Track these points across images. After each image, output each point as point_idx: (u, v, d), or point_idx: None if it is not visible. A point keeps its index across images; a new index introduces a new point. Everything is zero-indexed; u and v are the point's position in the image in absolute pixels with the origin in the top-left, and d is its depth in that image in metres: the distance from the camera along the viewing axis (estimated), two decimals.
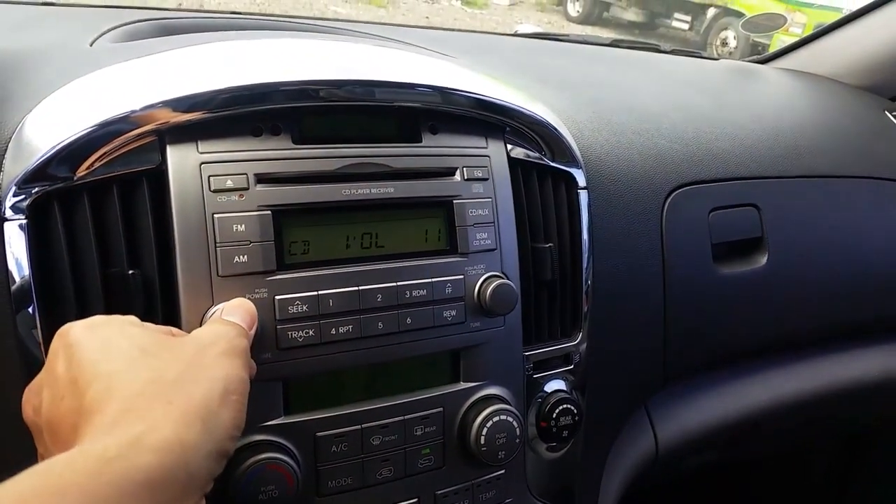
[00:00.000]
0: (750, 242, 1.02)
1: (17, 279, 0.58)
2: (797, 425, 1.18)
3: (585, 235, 0.82)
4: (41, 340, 0.58)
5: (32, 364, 0.58)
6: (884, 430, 1.53)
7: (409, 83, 0.70)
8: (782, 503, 1.74)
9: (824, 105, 1.32)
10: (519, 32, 1.65)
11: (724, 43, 9.30)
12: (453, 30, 1.87)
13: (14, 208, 0.58)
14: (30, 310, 0.58)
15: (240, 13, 1.34)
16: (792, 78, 1.44)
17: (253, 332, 0.58)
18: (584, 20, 10.46)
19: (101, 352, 0.46)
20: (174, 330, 0.56)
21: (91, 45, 0.84)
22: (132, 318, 0.53)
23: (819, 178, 1.13)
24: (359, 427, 0.66)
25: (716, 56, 1.90)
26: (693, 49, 1.66)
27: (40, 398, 0.49)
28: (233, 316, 0.57)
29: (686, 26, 10.07)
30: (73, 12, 1.16)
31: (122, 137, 0.60)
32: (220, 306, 0.59)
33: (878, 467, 1.61)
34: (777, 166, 1.08)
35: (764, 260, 1.02)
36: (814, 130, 1.19)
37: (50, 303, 0.59)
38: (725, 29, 9.38)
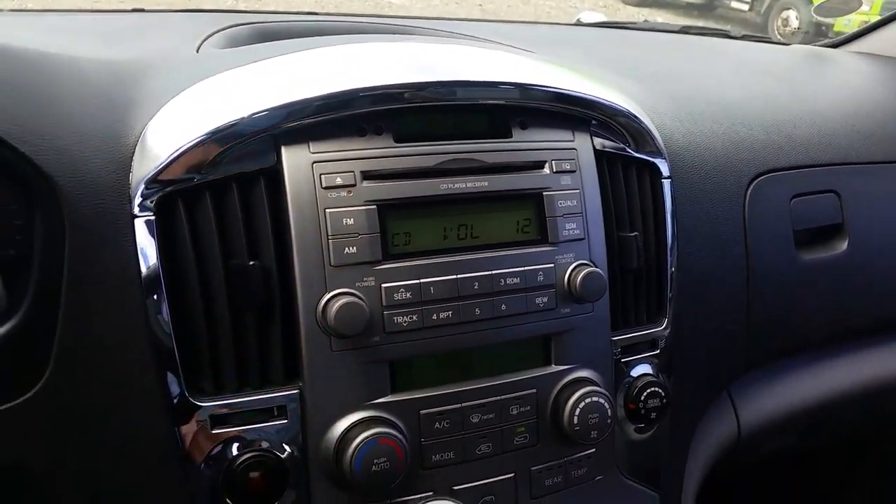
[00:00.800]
0: (830, 229, 1.02)
1: (147, 272, 0.64)
2: (876, 410, 1.17)
3: (670, 224, 0.84)
4: (170, 325, 0.64)
5: (160, 348, 0.64)
6: None
7: (492, 81, 0.74)
8: (858, 490, 1.71)
9: None
10: (583, 21, 1.65)
11: (786, 23, 8.99)
12: (518, 22, 1.89)
13: (142, 206, 0.64)
14: (157, 298, 0.64)
15: (316, 13, 1.39)
16: (868, 62, 1.42)
17: None
18: (640, 3, 10.23)
19: None
20: None
21: (197, 52, 0.90)
22: None
23: None
24: (459, 406, 0.70)
25: (779, 37, 1.87)
26: (755, 31, 1.64)
27: None
28: None
29: (746, 7, 9.77)
30: (165, 19, 1.23)
31: (240, 140, 0.65)
32: None
33: None
34: (856, 153, 1.07)
35: (844, 246, 1.02)
36: (893, 115, 1.17)
37: (178, 294, 0.65)
38: (787, 9, 9.07)
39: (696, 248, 0.87)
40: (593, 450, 0.78)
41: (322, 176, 0.66)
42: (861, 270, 1.03)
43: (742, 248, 0.92)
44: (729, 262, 0.90)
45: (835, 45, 1.58)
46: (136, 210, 0.64)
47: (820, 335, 1.02)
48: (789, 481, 1.77)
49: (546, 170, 0.75)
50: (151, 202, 0.64)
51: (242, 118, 0.65)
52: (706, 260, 0.88)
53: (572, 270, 0.74)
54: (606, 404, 0.74)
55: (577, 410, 0.73)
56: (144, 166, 0.65)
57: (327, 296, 0.65)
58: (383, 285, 0.67)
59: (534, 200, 0.74)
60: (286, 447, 0.66)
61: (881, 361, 1.12)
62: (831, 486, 1.74)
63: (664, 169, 0.84)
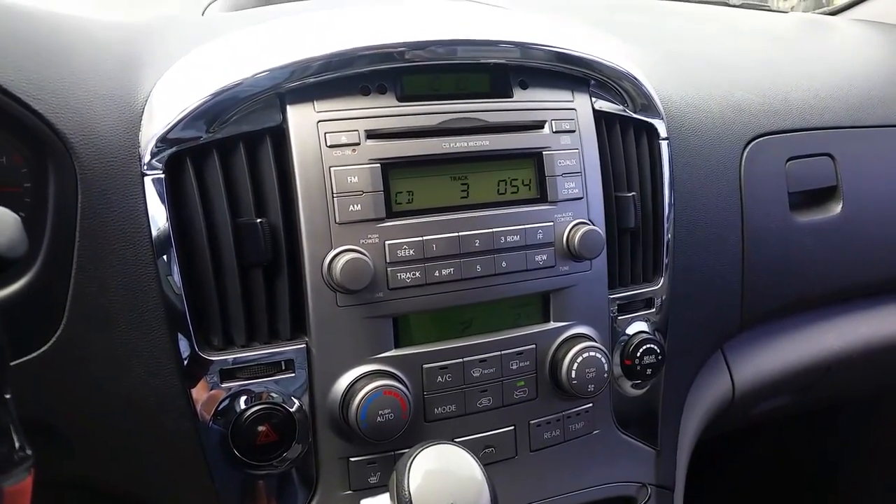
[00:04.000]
0: (825, 191, 1.04)
1: (157, 230, 0.65)
2: (869, 370, 1.20)
3: (667, 184, 0.85)
4: (179, 287, 0.65)
5: (171, 304, 0.65)
6: None
7: (492, 40, 0.74)
8: (855, 453, 1.75)
9: None
10: None
11: None
12: None
13: (151, 165, 0.65)
14: (167, 257, 0.65)
15: None
16: (865, 28, 1.42)
17: None
18: None
19: None
20: None
21: (203, 15, 0.90)
22: None
23: (894, 128, 1.13)
24: (460, 360, 0.73)
25: (778, 5, 1.87)
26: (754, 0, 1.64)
27: None
28: None
29: None
30: None
31: (246, 99, 0.66)
32: None
33: None
34: (851, 116, 1.08)
35: (839, 208, 1.04)
36: (889, 79, 1.18)
37: (187, 251, 0.66)
38: None
39: (692, 209, 0.89)
40: (590, 404, 0.80)
41: (327, 135, 0.67)
42: (855, 232, 1.05)
43: (738, 210, 0.93)
44: (724, 223, 0.92)
45: (833, 13, 1.58)
46: (146, 169, 0.65)
47: (814, 296, 1.04)
48: (783, 443, 1.81)
49: (546, 130, 0.76)
50: (160, 161, 0.65)
51: (247, 78, 0.66)
52: (702, 221, 0.90)
53: (571, 229, 0.75)
54: (603, 359, 0.76)
55: (575, 365, 0.75)
56: (153, 126, 0.66)
57: (333, 252, 0.66)
58: (387, 242, 0.68)
59: (534, 160, 0.75)
60: (294, 400, 0.68)
61: (875, 323, 1.14)
62: (825, 447, 1.78)
63: (662, 130, 0.85)
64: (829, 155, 1.05)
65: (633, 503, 0.85)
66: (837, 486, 1.85)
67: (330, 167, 0.67)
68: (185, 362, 0.66)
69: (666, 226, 0.85)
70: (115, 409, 0.67)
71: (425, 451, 0.56)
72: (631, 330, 0.83)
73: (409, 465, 0.55)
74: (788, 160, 1.00)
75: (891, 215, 1.10)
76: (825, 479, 1.86)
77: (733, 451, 1.79)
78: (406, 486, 0.54)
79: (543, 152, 0.75)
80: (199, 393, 0.66)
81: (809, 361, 1.06)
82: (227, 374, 0.67)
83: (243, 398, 0.67)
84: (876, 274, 1.10)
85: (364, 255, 0.66)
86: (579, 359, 0.75)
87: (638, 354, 0.81)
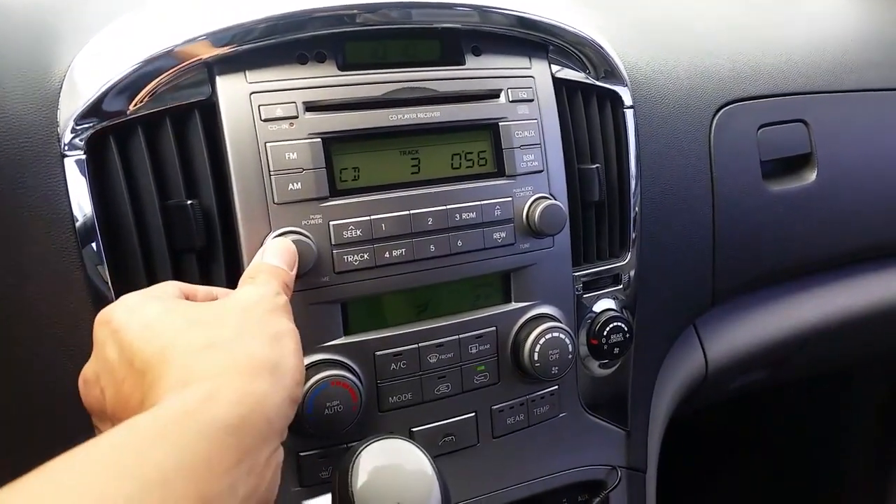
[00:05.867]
0: (799, 159, 1.01)
1: (80, 215, 0.60)
2: (845, 343, 1.18)
3: (633, 155, 0.81)
4: (107, 277, 0.60)
5: (100, 299, 0.60)
6: None
7: (448, 2, 0.70)
8: (831, 428, 1.75)
9: (876, 17, 1.27)
10: None
11: None
12: None
13: (71, 145, 0.60)
14: (94, 245, 0.60)
15: None
16: None
17: (294, 272, 0.58)
18: None
19: (148, 329, 0.46)
20: (214, 290, 0.57)
21: None
22: (169, 289, 0.52)
23: (869, 93, 1.10)
24: (415, 346, 0.68)
25: None
26: None
27: (100, 386, 0.49)
28: (275, 258, 0.57)
29: None
30: None
31: (170, 71, 0.61)
32: (263, 246, 0.59)
33: None
34: (825, 81, 1.05)
35: (813, 176, 1.00)
36: (864, 44, 1.14)
37: (113, 237, 0.61)
38: None
39: (659, 181, 0.85)
40: (556, 387, 0.76)
41: (261, 107, 0.62)
42: (830, 201, 1.02)
43: (708, 180, 0.89)
44: (694, 194, 0.88)
45: None
46: (66, 149, 0.60)
47: (789, 267, 1.01)
48: (765, 417, 1.80)
49: (502, 99, 0.71)
50: (81, 140, 0.60)
51: (173, 46, 0.61)
52: (670, 192, 0.86)
53: (531, 204, 0.71)
54: (567, 340, 0.72)
55: (538, 347, 0.71)
56: (72, 102, 0.61)
57: (272, 235, 0.62)
58: (331, 223, 0.64)
59: (489, 131, 0.71)
60: None
61: (850, 295, 1.11)
62: (798, 423, 1.77)
63: (627, 98, 0.81)
64: (803, 121, 1.01)
65: (603, 487, 0.82)
66: (813, 461, 1.85)
67: (266, 143, 0.62)
68: None
69: (632, 198, 0.82)
70: (43, 409, 0.62)
71: (370, 446, 0.52)
72: (597, 308, 0.79)
73: (352, 462, 0.51)
74: (760, 127, 0.96)
75: (867, 182, 1.07)
76: (800, 454, 1.86)
77: (707, 427, 1.78)
78: (349, 485, 0.50)
79: (500, 123, 0.71)
80: None
81: (785, 334, 1.04)
82: None
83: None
84: (853, 243, 1.07)
85: (306, 237, 0.62)
86: (542, 340, 0.71)
87: (605, 333, 0.77)
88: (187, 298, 0.53)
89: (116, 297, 0.60)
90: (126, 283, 0.61)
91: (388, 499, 0.49)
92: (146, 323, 0.47)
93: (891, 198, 1.09)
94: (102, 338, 0.49)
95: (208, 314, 0.47)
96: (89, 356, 0.59)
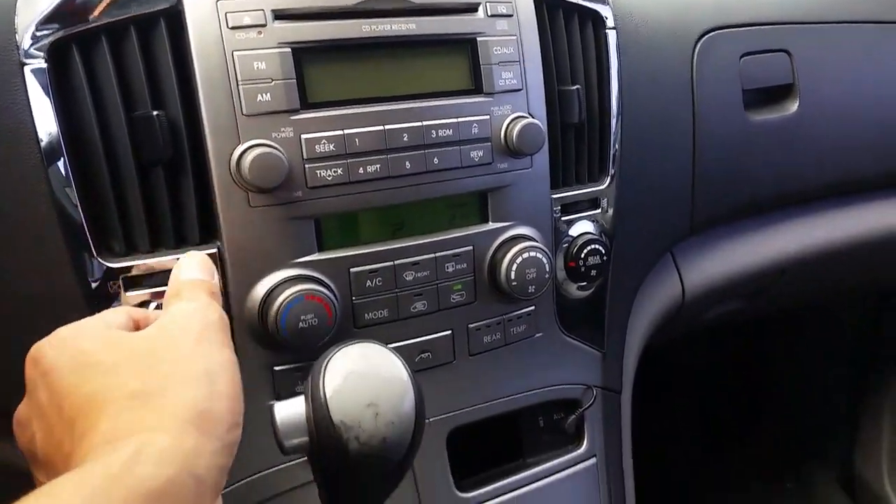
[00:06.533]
0: (781, 89, 1.00)
1: (43, 126, 0.58)
2: (823, 276, 1.19)
3: (614, 77, 0.80)
4: (76, 201, 0.59)
5: (69, 222, 0.59)
6: None
7: None
8: (815, 360, 1.78)
9: None
10: None
11: None
12: None
13: (31, 53, 0.58)
14: (61, 164, 0.59)
15: None
16: None
17: (216, 279, 0.54)
18: None
19: (77, 373, 0.43)
20: (146, 315, 0.53)
21: None
22: (98, 323, 0.49)
23: (854, 25, 1.08)
24: (391, 264, 0.68)
25: None
26: None
27: (31, 429, 0.47)
28: (192, 272, 0.53)
29: None
30: None
31: None
32: (177, 265, 0.54)
33: None
34: (809, 11, 1.03)
35: (794, 107, 0.99)
36: None
37: (78, 148, 0.60)
38: None
39: (640, 105, 0.84)
40: (532, 307, 0.77)
41: (228, 15, 0.60)
42: (811, 132, 1.01)
43: (689, 107, 0.89)
44: (675, 120, 0.87)
45: None
46: (25, 58, 0.58)
47: (768, 198, 1.01)
48: (749, 347, 1.83)
49: (480, 13, 0.70)
50: (41, 49, 0.58)
51: None
52: (651, 117, 0.85)
53: (509, 123, 0.70)
54: (544, 259, 0.72)
55: (515, 266, 0.71)
56: (31, 7, 0.58)
57: (241, 147, 0.60)
58: (303, 136, 0.62)
59: (467, 46, 0.69)
60: None
61: (829, 228, 1.12)
62: (776, 354, 1.81)
63: (609, 18, 0.79)
64: (786, 51, 1.00)
65: (578, 405, 0.83)
66: (779, 391, 1.89)
67: (233, 52, 0.60)
68: (83, 271, 0.60)
69: (613, 121, 0.81)
70: (15, 322, 0.61)
71: (344, 349, 0.52)
72: (575, 231, 0.79)
73: (325, 365, 0.51)
74: (743, 56, 0.95)
75: (848, 116, 1.06)
76: (779, 386, 1.90)
77: (686, 358, 1.81)
78: (321, 387, 0.49)
79: (478, 38, 0.69)
80: (102, 304, 0.61)
81: (763, 265, 1.04)
82: (131, 282, 0.61)
83: (151, 307, 0.62)
84: (832, 175, 1.07)
85: (276, 149, 0.60)
86: (519, 259, 0.71)
87: (582, 256, 0.77)
88: (137, 325, 0.51)
89: (85, 221, 0.59)
90: (92, 196, 0.60)
91: (360, 401, 0.49)
92: (75, 365, 0.44)
93: (871, 132, 1.09)
94: (33, 379, 0.46)
95: (142, 348, 0.45)
96: (54, 273, 0.58)
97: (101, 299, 0.61)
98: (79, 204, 0.59)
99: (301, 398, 0.51)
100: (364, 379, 0.50)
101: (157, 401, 0.41)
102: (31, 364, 0.47)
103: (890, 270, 1.32)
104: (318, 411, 0.49)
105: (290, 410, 0.51)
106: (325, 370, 0.50)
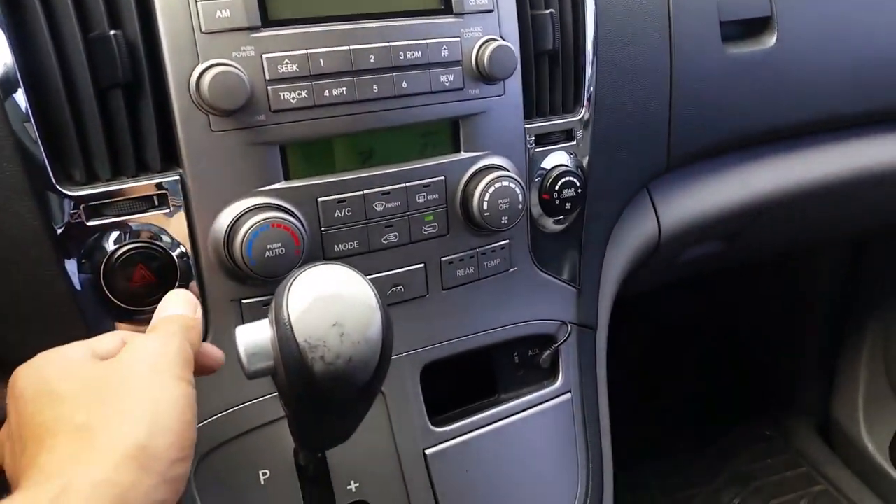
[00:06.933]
0: (759, 22, 0.98)
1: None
2: (800, 217, 1.19)
3: (590, 3, 0.78)
4: (37, 137, 0.56)
5: (20, 138, 0.56)
6: (888, 233, 1.54)
7: None
8: (786, 307, 1.80)
9: None
10: None
11: None
12: None
13: None
14: (18, 96, 0.56)
15: None
16: None
17: (198, 314, 0.54)
18: None
19: (34, 402, 0.44)
20: (124, 337, 0.52)
21: None
22: (76, 350, 0.48)
23: None
24: (360, 193, 0.66)
25: None
26: None
27: (4, 449, 0.49)
28: (175, 307, 0.53)
29: None
30: None
31: None
32: (163, 301, 0.54)
33: (885, 273, 1.64)
34: None
35: (773, 40, 0.98)
36: None
37: (34, 72, 0.57)
38: None
39: (615, 36, 0.82)
40: (506, 241, 0.75)
41: None
42: (789, 67, 0.99)
43: (665, 38, 0.86)
44: (651, 51, 0.85)
45: None
46: None
47: (745, 135, 1.00)
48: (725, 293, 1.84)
49: None
50: None
51: None
52: (627, 48, 0.83)
53: (480, 46, 0.68)
54: (518, 189, 0.70)
55: (487, 196, 0.69)
56: None
57: (200, 67, 0.58)
58: (264, 55, 0.60)
59: None
60: (171, 237, 0.61)
61: (809, 165, 1.11)
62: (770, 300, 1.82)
63: None
64: None
65: (553, 341, 0.83)
66: (755, 339, 1.92)
67: None
68: (43, 199, 0.57)
69: (588, 50, 0.79)
70: None
71: (309, 271, 0.50)
72: (549, 163, 0.77)
73: (289, 285, 0.49)
74: None
75: (827, 50, 1.04)
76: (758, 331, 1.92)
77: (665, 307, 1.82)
78: (285, 307, 0.48)
79: None
80: (62, 233, 0.58)
81: (740, 204, 1.03)
82: (92, 210, 0.59)
83: (113, 236, 0.60)
84: (811, 111, 1.05)
85: (236, 68, 0.58)
86: (491, 189, 0.69)
87: (556, 188, 0.76)
88: None
89: (41, 138, 0.57)
90: (50, 121, 0.57)
91: (325, 321, 0.47)
92: (35, 393, 0.45)
93: (850, 69, 1.07)
94: (8, 402, 0.48)
95: (98, 379, 0.45)
96: (12, 203, 0.56)
97: (66, 233, 0.58)
98: (38, 135, 0.56)
99: (265, 321, 0.50)
100: (329, 299, 0.48)
101: (98, 435, 0.41)
102: (9, 388, 0.48)
103: (866, 212, 1.32)
104: (282, 332, 0.47)
105: (253, 334, 0.50)
106: (288, 291, 0.49)
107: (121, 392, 0.44)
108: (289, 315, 0.48)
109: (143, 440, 0.41)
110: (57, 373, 0.46)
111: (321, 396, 0.49)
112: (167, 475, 0.41)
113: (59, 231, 0.58)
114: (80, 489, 0.38)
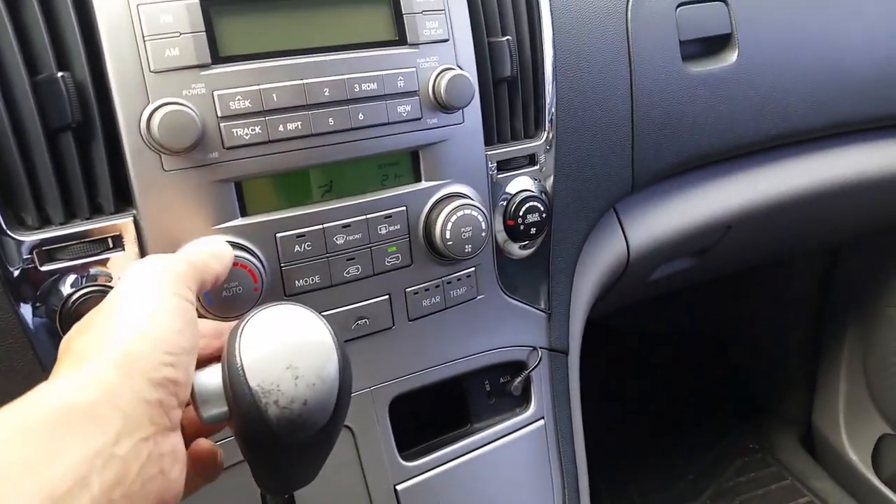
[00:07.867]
0: (719, 39, 0.99)
1: None
2: (769, 231, 1.19)
3: (546, 27, 0.78)
4: None
5: None
6: (860, 240, 1.56)
7: None
8: (766, 317, 1.80)
9: None
10: None
11: None
12: None
13: None
14: None
15: None
16: None
17: (217, 248, 0.56)
18: None
19: (74, 332, 0.47)
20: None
21: None
22: (165, 264, 0.50)
23: None
24: (320, 227, 0.65)
25: None
26: None
27: None
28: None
29: None
30: None
31: None
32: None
33: (858, 275, 1.65)
34: None
35: (734, 57, 0.98)
36: None
37: None
38: None
39: (574, 59, 0.82)
40: (472, 269, 0.75)
41: None
42: (751, 83, 1.00)
43: (625, 59, 0.87)
44: (612, 73, 0.86)
45: None
46: None
47: (709, 152, 1.00)
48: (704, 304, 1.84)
49: None
50: None
51: None
52: (586, 71, 0.83)
53: (437, 75, 0.68)
54: (480, 217, 0.70)
55: (450, 224, 0.69)
56: None
57: (150, 107, 0.57)
58: (216, 93, 0.59)
59: None
60: None
61: (772, 180, 1.12)
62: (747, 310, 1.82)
63: None
64: (723, 0, 0.99)
65: (524, 367, 0.82)
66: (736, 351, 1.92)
67: (137, 4, 0.57)
68: None
69: (548, 74, 0.79)
70: None
71: (261, 312, 0.49)
72: (512, 188, 0.77)
73: (241, 329, 0.48)
74: (679, 6, 0.93)
75: (788, 67, 1.05)
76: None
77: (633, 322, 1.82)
78: (237, 351, 0.47)
79: None
80: (17, 280, 0.57)
81: (707, 220, 1.04)
82: (46, 255, 0.58)
83: (70, 279, 0.58)
84: (774, 126, 1.06)
85: (187, 107, 0.57)
86: (454, 217, 0.69)
87: (521, 213, 0.76)
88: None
89: None
90: (3, 175, 0.56)
91: (278, 364, 0.46)
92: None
93: (811, 83, 1.08)
94: None
95: (99, 310, 0.47)
96: None
97: (20, 279, 0.57)
98: None
99: (219, 366, 0.49)
100: (282, 341, 0.47)
101: (89, 352, 0.43)
102: None
103: (833, 222, 1.33)
104: (234, 377, 0.46)
105: (207, 379, 0.48)
106: (240, 334, 0.47)
107: (111, 315, 0.45)
108: (241, 359, 0.46)
109: (126, 346, 0.42)
110: (76, 327, 0.48)
111: (278, 441, 0.48)
112: (153, 377, 0.42)
113: (13, 276, 0.57)
114: (71, 381, 0.40)
